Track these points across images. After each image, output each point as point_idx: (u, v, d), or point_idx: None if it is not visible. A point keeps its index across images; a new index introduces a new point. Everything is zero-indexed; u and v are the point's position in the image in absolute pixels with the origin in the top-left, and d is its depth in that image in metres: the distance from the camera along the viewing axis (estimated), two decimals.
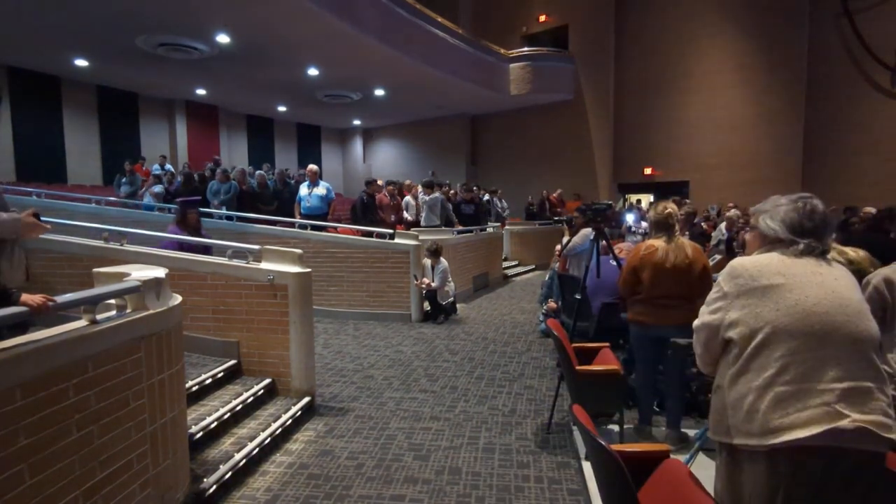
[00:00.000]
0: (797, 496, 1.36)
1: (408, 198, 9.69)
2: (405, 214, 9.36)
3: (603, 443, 1.50)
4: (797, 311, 1.42)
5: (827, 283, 1.45)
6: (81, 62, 11.89)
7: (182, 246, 4.43)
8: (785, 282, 1.46)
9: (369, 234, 7.25)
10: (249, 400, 3.52)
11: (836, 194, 11.19)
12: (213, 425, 3.07)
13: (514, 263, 12.21)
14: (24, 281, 2.33)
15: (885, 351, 2.17)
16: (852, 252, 2.48)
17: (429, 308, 6.97)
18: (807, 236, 1.52)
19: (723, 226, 8.01)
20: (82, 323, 1.96)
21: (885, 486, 1.44)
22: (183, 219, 4.72)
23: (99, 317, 2.03)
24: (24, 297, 1.90)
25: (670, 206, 3.28)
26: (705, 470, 2.13)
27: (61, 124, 13.33)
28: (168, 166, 12.33)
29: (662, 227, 3.22)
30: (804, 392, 1.36)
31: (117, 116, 14.43)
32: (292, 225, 7.71)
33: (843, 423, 1.31)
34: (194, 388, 3.30)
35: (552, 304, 5.82)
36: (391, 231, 7.41)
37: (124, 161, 10.57)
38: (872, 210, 5.90)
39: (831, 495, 1.35)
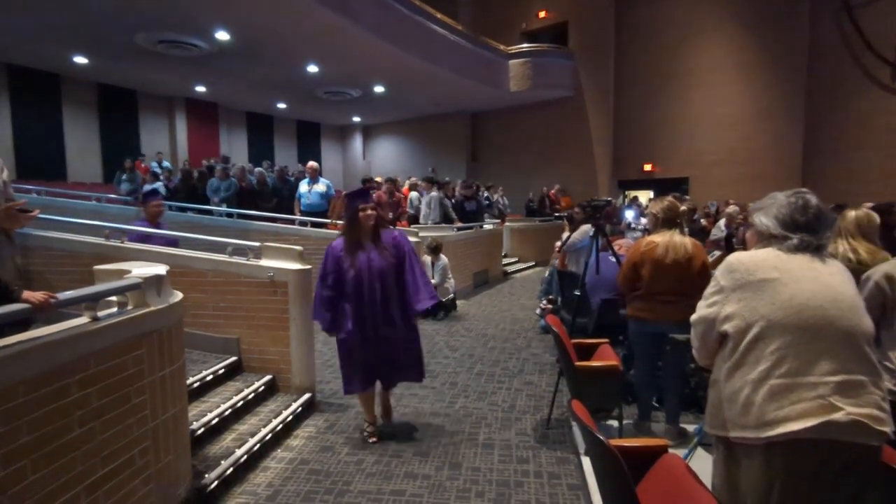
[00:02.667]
0: (793, 489, 1.37)
1: (414, 193, 9.79)
2: (409, 210, 9.41)
3: (602, 438, 1.51)
4: (792, 305, 1.43)
5: (822, 279, 1.46)
6: (81, 59, 11.86)
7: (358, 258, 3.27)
8: (780, 276, 1.47)
9: None
10: (250, 396, 3.53)
11: (837, 190, 11.18)
12: (214, 421, 3.09)
13: (513, 260, 12.20)
14: (17, 278, 2.26)
15: (887, 349, 2.16)
16: None
17: None
18: (799, 231, 1.53)
19: (722, 222, 8.00)
20: (84, 320, 1.97)
21: (880, 479, 1.45)
22: (355, 221, 3.28)
23: (100, 314, 2.04)
24: (27, 293, 1.90)
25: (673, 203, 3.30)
26: (704, 465, 2.14)
27: (61, 122, 13.31)
28: (165, 163, 12.33)
29: (670, 222, 3.22)
30: (799, 385, 1.37)
31: (117, 114, 14.41)
32: (292, 222, 7.71)
33: (838, 415, 1.32)
34: (195, 385, 3.32)
35: (547, 305, 5.82)
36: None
37: (124, 158, 10.57)
38: (870, 206, 5.86)
39: (827, 488, 1.36)
